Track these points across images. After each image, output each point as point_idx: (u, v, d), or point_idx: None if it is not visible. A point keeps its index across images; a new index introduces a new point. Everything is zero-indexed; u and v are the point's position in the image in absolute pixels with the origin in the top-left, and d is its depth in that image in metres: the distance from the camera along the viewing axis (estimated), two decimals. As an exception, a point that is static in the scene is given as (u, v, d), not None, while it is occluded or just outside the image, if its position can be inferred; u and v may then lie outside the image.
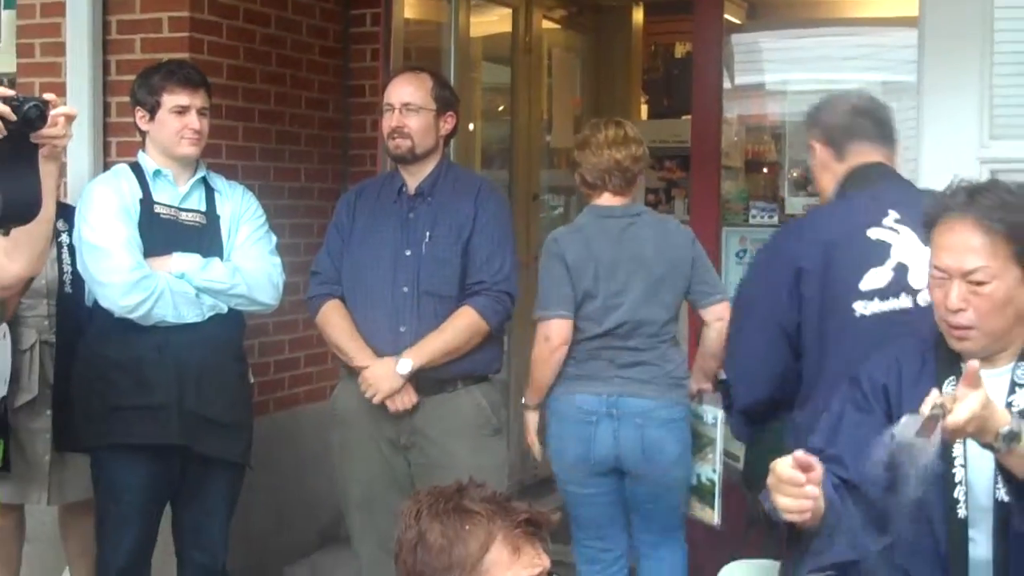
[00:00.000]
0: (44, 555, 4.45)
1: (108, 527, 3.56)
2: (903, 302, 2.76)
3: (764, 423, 3.10)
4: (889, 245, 2.80)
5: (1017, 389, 2.34)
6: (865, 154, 2.96)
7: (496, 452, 3.65)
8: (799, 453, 2.10)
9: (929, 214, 2.40)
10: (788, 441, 2.76)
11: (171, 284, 3.45)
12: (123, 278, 3.39)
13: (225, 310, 3.55)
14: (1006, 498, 2.26)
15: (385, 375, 3.50)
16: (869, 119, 3.00)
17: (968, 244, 2.29)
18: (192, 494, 3.62)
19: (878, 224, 2.82)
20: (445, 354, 3.54)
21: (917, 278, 2.73)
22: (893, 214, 2.83)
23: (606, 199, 3.83)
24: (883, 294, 2.77)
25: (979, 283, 2.28)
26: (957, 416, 2.03)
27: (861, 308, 2.77)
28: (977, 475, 2.31)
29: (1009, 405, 2.30)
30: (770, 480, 2.14)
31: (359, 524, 3.69)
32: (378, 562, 3.56)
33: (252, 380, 3.84)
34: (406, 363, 3.50)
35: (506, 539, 1.82)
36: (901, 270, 2.78)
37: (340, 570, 4.82)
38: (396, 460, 3.60)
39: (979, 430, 2.09)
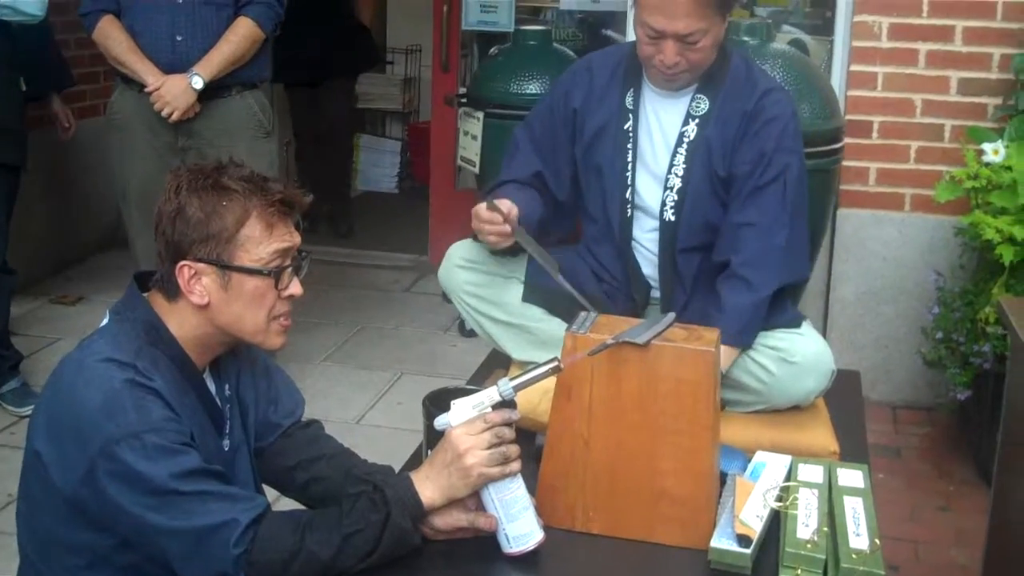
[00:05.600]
0: None
1: None
2: None
3: None
4: None
5: (690, 120, 2.22)
6: None
7: (268, 152, 3.45)
8: (492, 202, 2.10)
9: None
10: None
11: (-67, -6, 3.06)
12: None
13: (-9, 20, 3.18)
14: (672, 218, 2.24)
15: (180, 92, 3.24)
16: None
17: (680, 8, 2.07)
18: (-32, 196, 3.32)
19: None
20: (230, 64, 3.29)
21: None
22: None
23: None
24: None
25: (693, 42, 2.11)
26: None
27: None
28: (647, 196, 2.26)
29: (682, 135, 2.22)
30: (474, 224, 2.13)
31: (136, 220, 3.44)
32: (152, 251, 3.34)
33: (23, 88, 3.48)
34: (198, 79, 3.24)
35: (260, 216, 1.69)
36: None
37: (119, 268, 4.62)
38: (174, 161, 3.32)
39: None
